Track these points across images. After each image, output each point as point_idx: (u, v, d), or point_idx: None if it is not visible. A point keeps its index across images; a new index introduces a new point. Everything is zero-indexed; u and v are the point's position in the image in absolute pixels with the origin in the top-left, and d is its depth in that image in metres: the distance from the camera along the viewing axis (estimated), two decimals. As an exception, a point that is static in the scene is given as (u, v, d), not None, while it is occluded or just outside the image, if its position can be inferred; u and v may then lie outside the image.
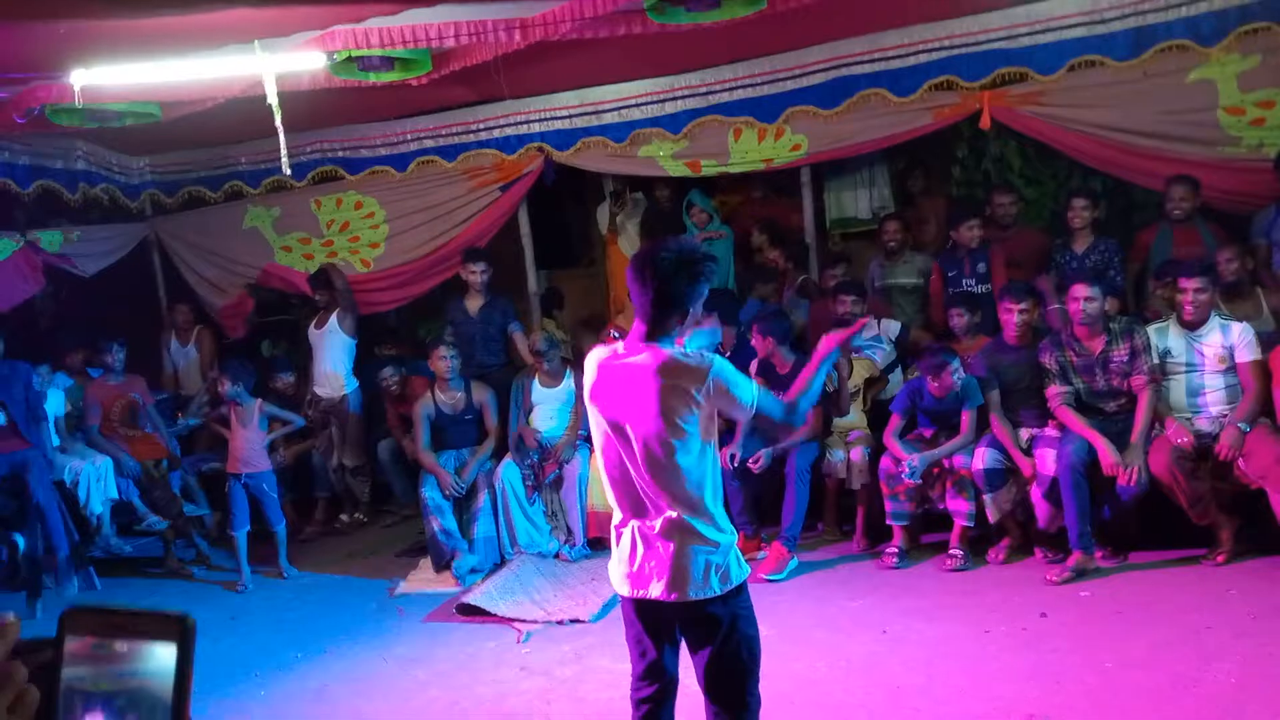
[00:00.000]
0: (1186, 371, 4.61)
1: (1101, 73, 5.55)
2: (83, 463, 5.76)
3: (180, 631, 0.76)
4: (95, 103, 5.00)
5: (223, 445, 5.86)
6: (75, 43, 4.01)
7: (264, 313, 7.48)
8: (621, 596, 2.70)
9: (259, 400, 5.79)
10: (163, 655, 0.75)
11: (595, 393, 2.63)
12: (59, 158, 6.49)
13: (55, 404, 6.04)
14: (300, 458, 6.50)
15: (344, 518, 6.65)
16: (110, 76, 4.36)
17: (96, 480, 5.75)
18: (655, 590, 2.56)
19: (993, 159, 6.49)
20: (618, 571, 2.67)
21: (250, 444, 5.65)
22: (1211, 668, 3.53)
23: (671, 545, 2.52)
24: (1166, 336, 4.67)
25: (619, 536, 2.67)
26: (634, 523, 2.60)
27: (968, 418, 4.91)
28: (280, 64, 4.38)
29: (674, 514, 2.52)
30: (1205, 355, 4.58)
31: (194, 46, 4.27)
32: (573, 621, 4.59)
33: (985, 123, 5.83)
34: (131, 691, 0.75)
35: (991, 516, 4.79)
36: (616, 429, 2.57)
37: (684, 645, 2.72)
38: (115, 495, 5.83)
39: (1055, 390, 4.74)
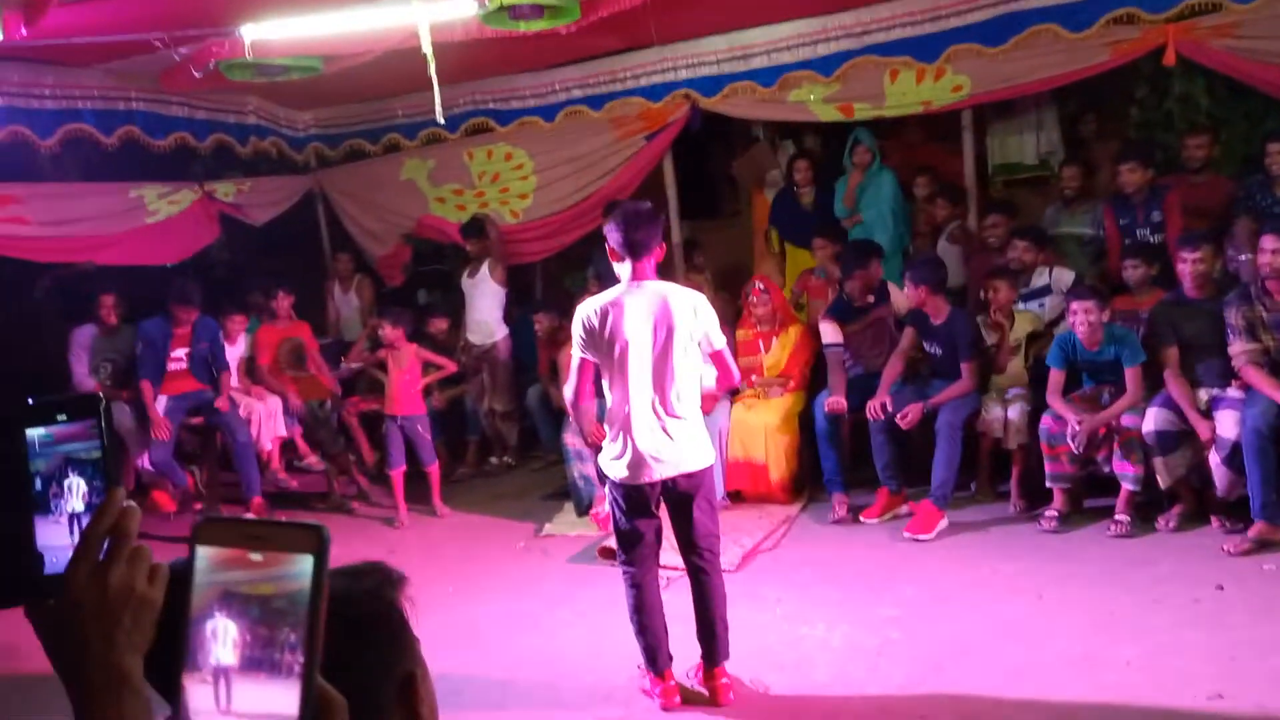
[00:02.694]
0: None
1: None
2: (255, 401, 6.13)
3: (315, 543, 0.76)
4: (263, 58, 5.23)
5: (382, 389, 6.11)
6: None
7: (420, 262, 7.73)
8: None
9: (415, 345, 6.01)
10: (298, 566, 0.75)
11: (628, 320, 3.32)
12: (232, 113, 6.83)
13: (240, 347, 6.44)
14: (453, 402, 6.73)
15: (493, 460, 6.86)
16: (277, 30, 4.53)
17: (266, 418, 6.12)
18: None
19: (1177, 98, 5.96)
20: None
21: (406, 387, 5.87)
22: None
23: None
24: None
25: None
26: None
27: (1131, 375, 4.59)
28: (434, 13, 4.44)
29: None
30: None
31: (352, -2, 4.37)
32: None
33: (1170, 58, 5.35)
34: (265, 600, 0.76)
35: (1163, 482, 4.48)
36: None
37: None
38: (283, 433, 6.19)
39: (1241, 348, 4.36)
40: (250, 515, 5.78)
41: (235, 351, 6.34)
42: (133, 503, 0.83)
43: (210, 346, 6.00)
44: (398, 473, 5.86)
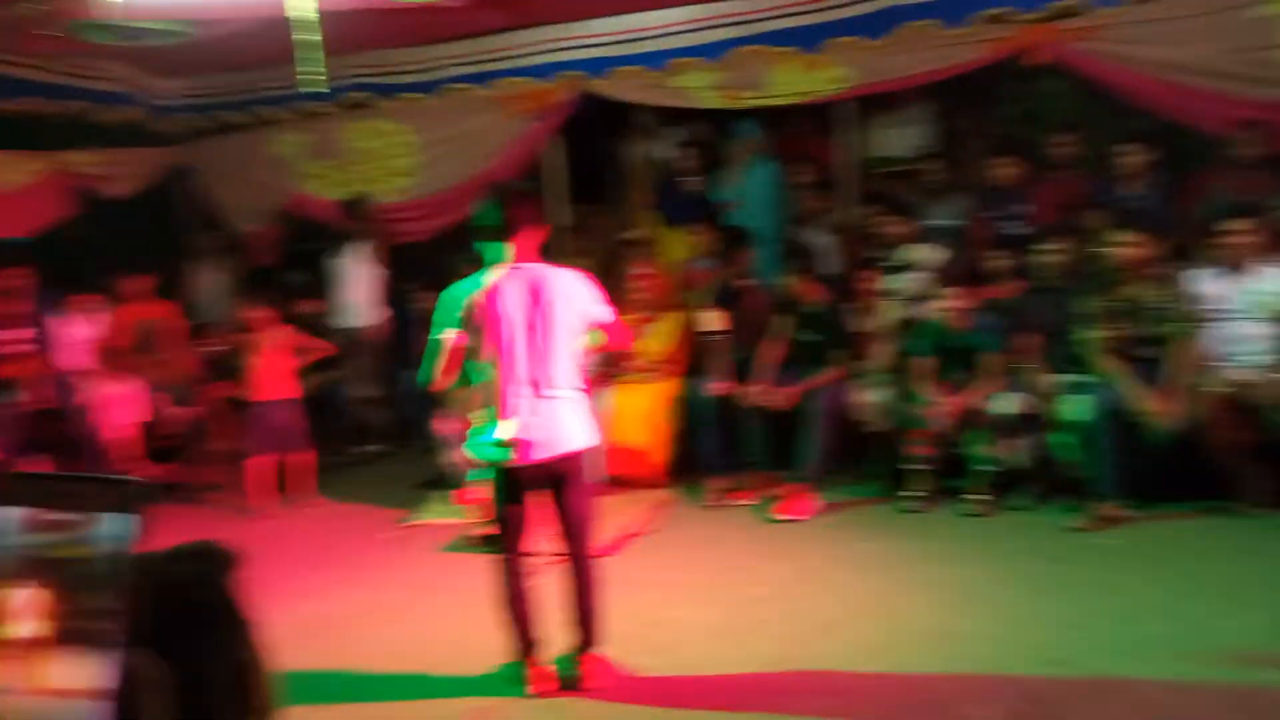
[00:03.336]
0: (1228, 318, 4.40)
1: (1161, 7, 5.28)
2: (111, 384, 5.80)
3: (131, 499, 0.68)
4: (125, 20, 4.95)
5: (247, 372, 5.86)
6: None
7: (292, 240, 7.45)
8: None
9: (288, 327, 5.79)
10: (114, 526, 0.67)
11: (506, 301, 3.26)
12: (90, 78, 6.45)
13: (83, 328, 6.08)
14: (323, 387, 6.51)
15: (365, 448, 6.67)
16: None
17: (125, 403, 5.80)
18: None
19: (1042, 97, 6.21)
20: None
21: (275, 371, 5.65)
22: (1232, 619, 3.42)
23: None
24: (1210, 281, 4.47)
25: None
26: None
27: (990, 361, 4.77)
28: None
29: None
30: (1250, 301, 4.37)
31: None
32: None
33: (1034, 59, 5.57)
34: (78, 564, 0.67)
35: (1016, 462, 4.68)
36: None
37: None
38: (143, 417, 5.87)
39: (1090, 335, 4.58)
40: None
41: (89, 333, 5.99)
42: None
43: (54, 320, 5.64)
44: (263, 460, 5.63)
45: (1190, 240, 4.78)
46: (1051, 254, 4.86)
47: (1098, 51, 5.48)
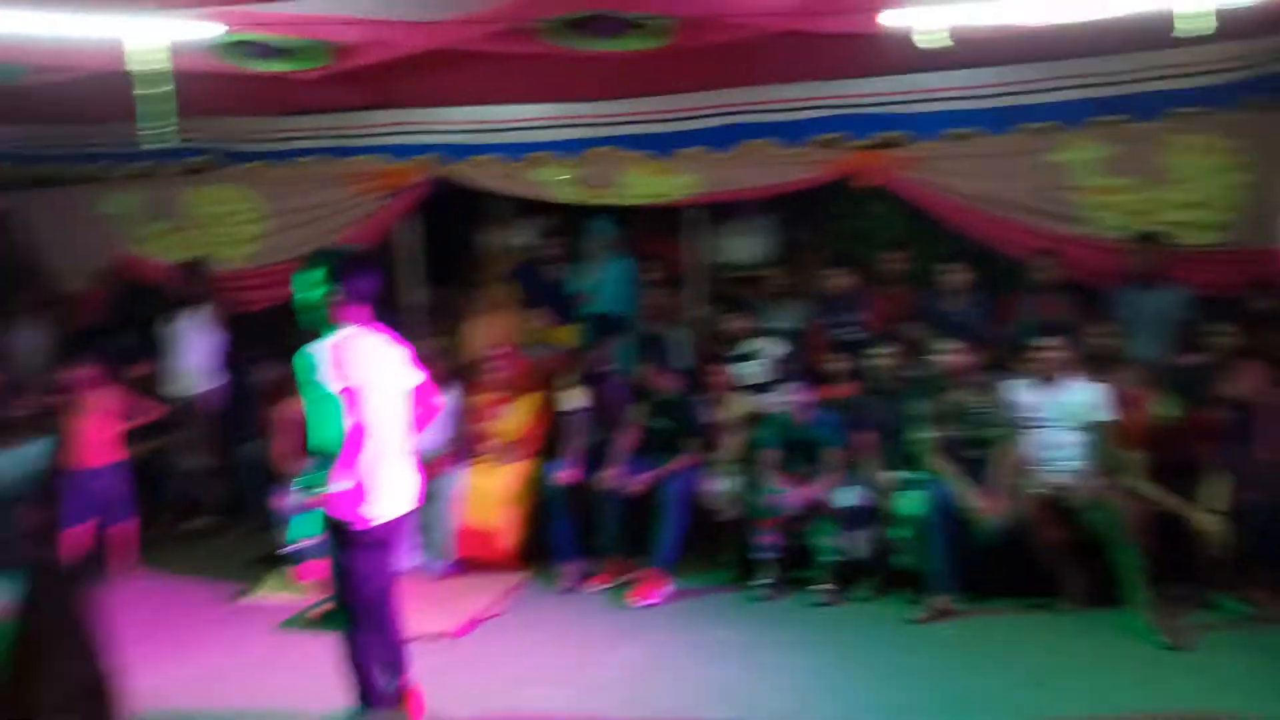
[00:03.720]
0: (1043, 426, 4.87)
1: (973, 144, 5.96)
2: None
3: (43, 429, 0.70)
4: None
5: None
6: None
7: (123, 302, 7.02)
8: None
9: (113, 387, 5.42)
10: (29, 449, 0.69)
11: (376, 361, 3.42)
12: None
13: None
14: (151, 456, 6.09)
15: (195, 521, 6.25)
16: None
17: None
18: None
19: (873, 216, 6.80)
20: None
21: (100, 434, 5.26)
22: (1048, 699, 3.73)
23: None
24: (1027, 392, 4.94)
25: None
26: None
27: (832, 456, 5.07)
28: (167, 33, 4.16)
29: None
30: (1062, 412, 4.85)
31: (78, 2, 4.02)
32: (439, 635, 4.45)
33: (864, 181, 6.13)
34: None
35: (857, 553, 4.94)
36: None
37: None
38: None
39: (922, 435, 4.96)
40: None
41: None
42: None
43: None
44: (86, 530, 5.18)
45: (1006, 353, 5.31)
46: (883, 359, 5.26)
47: (917, 180, 6.09)
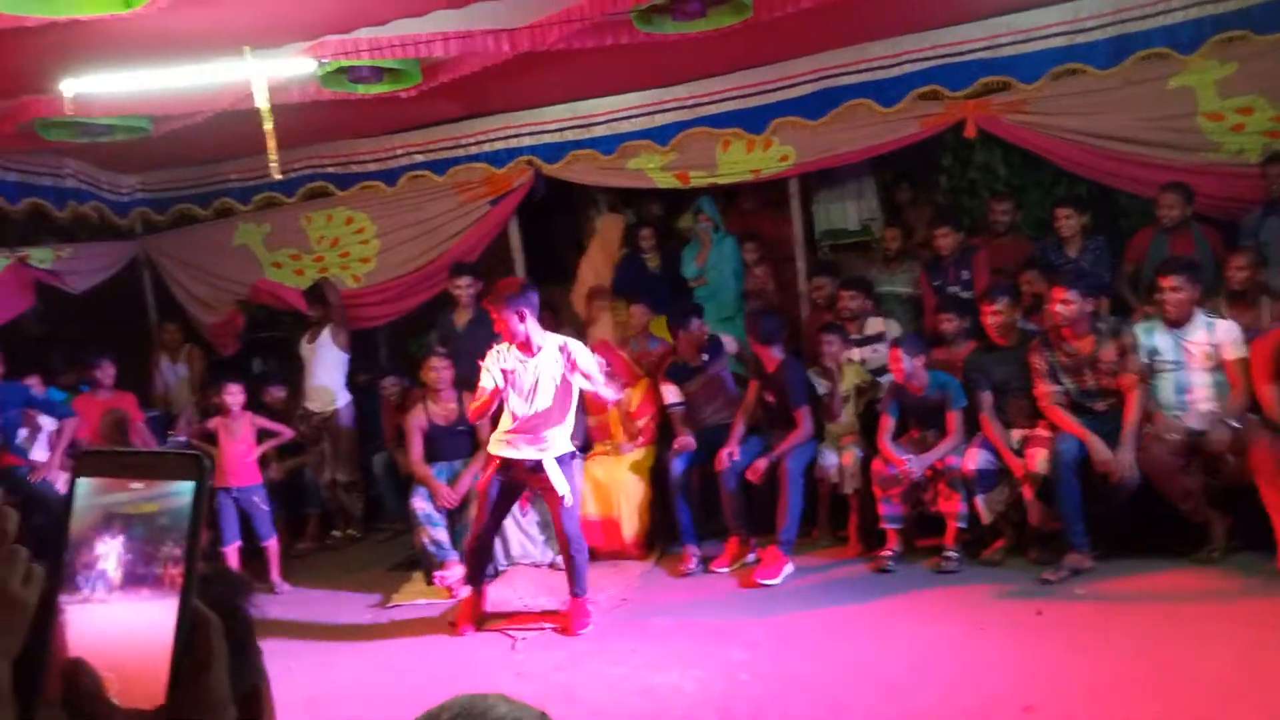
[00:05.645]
0: (1174, 369, 4.63)
1: (1082, 80, 5.64)
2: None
3: (196, 470, 0.77)
4: (86, 116, 5.03)
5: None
6: (64, 49, 4.03)
7: (254, 329, 7.47)
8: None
9: (249, 413, 5.77)
10: (179, 488, 0.76)
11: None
12: (47, 175, 6.49)
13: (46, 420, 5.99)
14: (292, 473, 6.47)
15: (336, 533, 6.61)
16: (101, 85, 4.37)
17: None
18: None
19: (978, 167, 6.56)
20: None
21: (240, 458, 5.62)
22: (1205, 660, 3.54)
23: None
24: (1154, 335, 4.70)
25: None
26: None
27: (953, 419, 4.93)
28: (271, 70, 4.40)
29: None
30: (1192, 353, 4.61)
31: (184, 52, 4.29)
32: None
33: (970, 131, 5.90)
34: (147, 518, 0.76)
35: (984, 517, 4.80)
36: None
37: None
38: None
39: (1045, 390, 4.77)
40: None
41: (41, 423, 5.91)
42: (9, 506, 0.80)
43: (22, 410, 5.56)
44: (231, 549, 5.57)
45: (1131, 296, 5.03)
46: (999, 314, 5.06)
47: (1026, 123, 5.82)
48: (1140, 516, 4.62)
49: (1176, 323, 4.62)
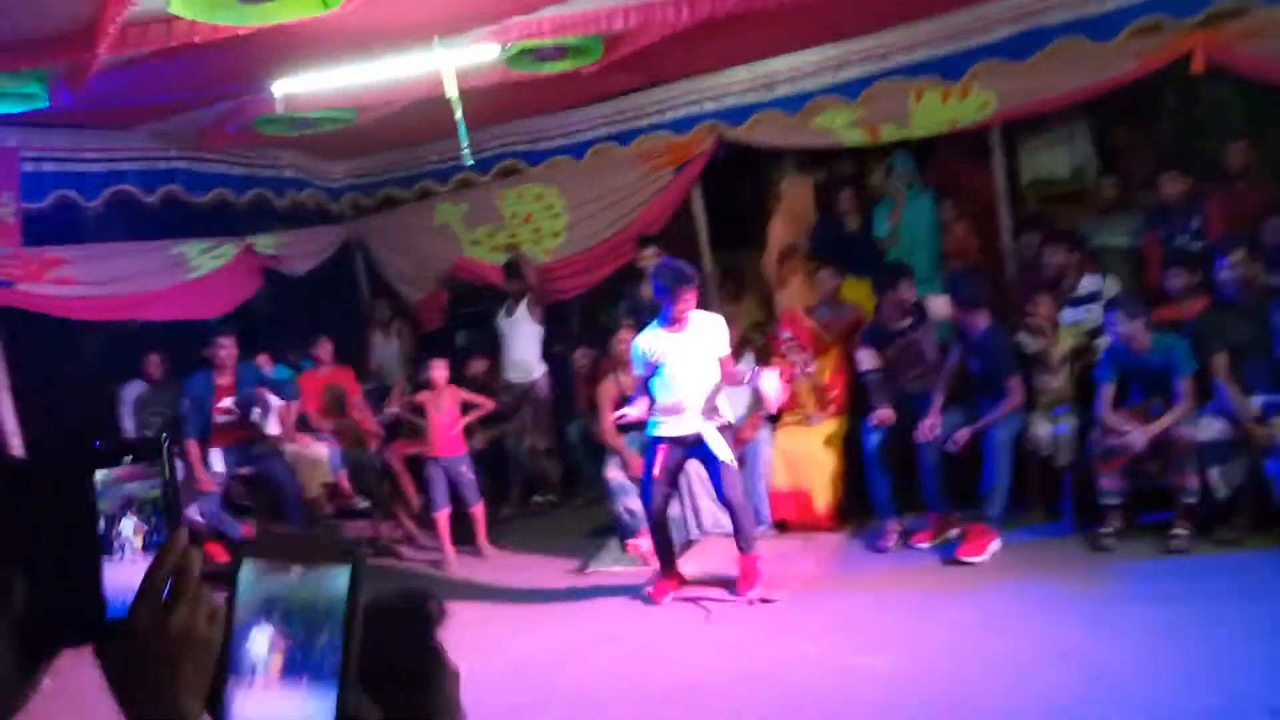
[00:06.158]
0: None
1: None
2: (300, 449, 6.19)
3: (353, 557, 0.79)
4: (296, 111, 5.35)
5: (424, 432, 6.14)
6: (272, 54, 4.29)
7: (457, 304, 7.81)
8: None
9: (453, 386, 6.05)
10: (337, 576, 0.77)
11: None
12: (268, 167, 7.00)
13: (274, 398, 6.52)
14: (495, 442, 6.76)
15: (537, 499, 6.87)
16: (307, 84, 4.64)
17: (313, 465, 6.17)
18: None
19: (1209, 105, 5.88)
20: None
21: (446, 429, 5.91)
22: None
23: None
24: None
25: None
26: None
27: (1182, 385, 4.48)
28: (458, 59, 4.52)
29: None
30: None
31: (379, 46, 4.47)
32: (763, 601, 4.53)
33: (1198, 65, 5.28)
34: (305, 606, 0.77)
35: (1219, 492, 4.36)
36: None
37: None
38: (330, 479, 6.24)
39: (1293, 351, 4.26)
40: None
41: (272, 401, 6.43)
42: (194, 546, 0.84)
43: (256, 389, 6.07)
44: (442, 515, 5.89)
45: None
46: (1235, 267, 4.56)
47: (1264, 51, 5.15)
48: None
49: None
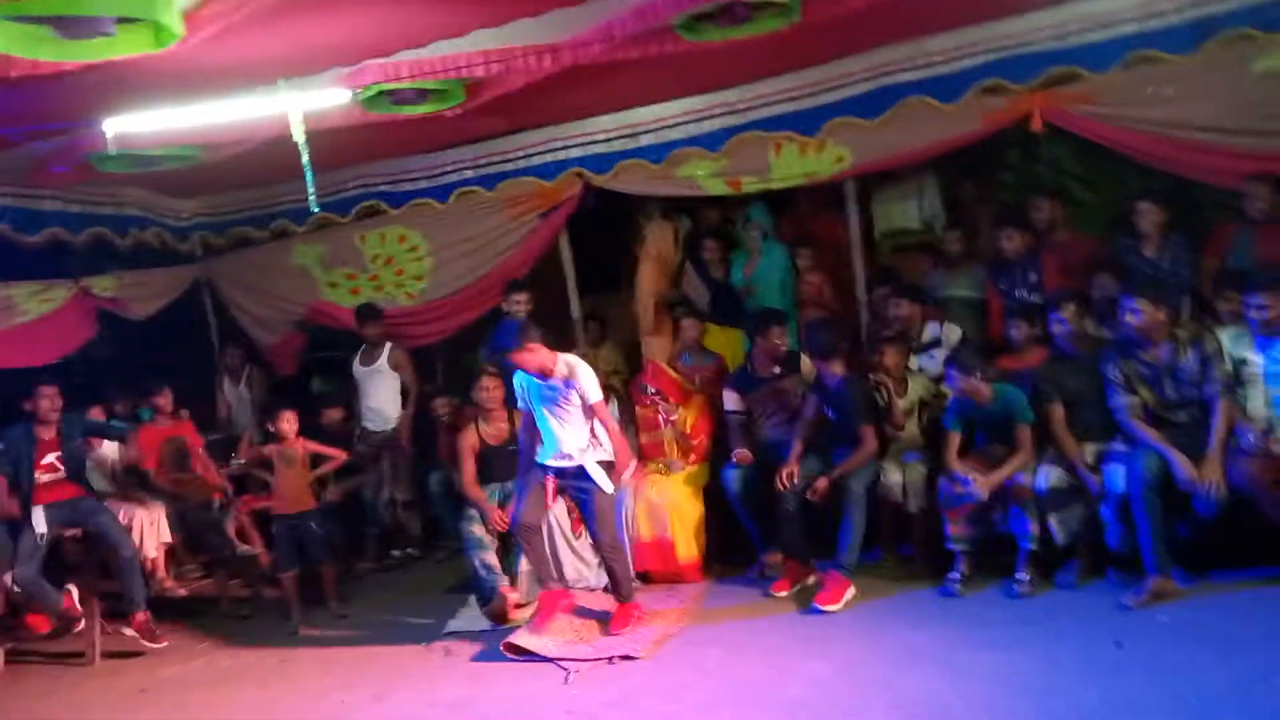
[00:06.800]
0: (1267, 381, 4.29)
1: (1158, 69, 5.29)
2: (136, 508, 5.79)
3: None
4: (134, 149, 5.07)
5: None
6: (104, 90, 4.04)
7: (313, 349, 7.52)
8: None
9: (301, 439, 5.78)
10: None
11: None
12: (108, 204, 6.61)
13: (110, 449, 6.10)
14: (351, 494, 6.49)
15: (395, 553, 6.62)
16: (141, 123, 4.39)
17: (150, 525, 5.77)
18: None
19: (1045, 162, 6.22)
20: None
21: (294, 485, 5.64)
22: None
23: None
24: (1242, 343, 4.38)
25: None
26: None
27: (1021, 434, 4.67)
28: (305, 102, 4.37)
29: None
30: (1281, 363, 4.27)
31: (221, 85, 4.28)
32: (624, 659, 4.45)
33: (1037, 125, 5.58)
34: None
35: (1059, 538, 4.54)
36: None
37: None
38: (168, 539, 5.85)
39: (1120, 402, 4.49)
40: (131, 631, 5.42)
41: (104, 454, 6.01)
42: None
43: (83, 439, 5.66)
44: (289, 576, 5.60)
45: (1215, 299, 4.71)
46: (1070, 321, 4.79)
47: (1098, 115, 5.48)
48: (1228, 536, 4.31)
49: (1269, 335, 4.28)
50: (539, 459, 4.92)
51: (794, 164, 6.10)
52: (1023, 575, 4.56)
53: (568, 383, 4.72)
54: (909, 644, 4.21)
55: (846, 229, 6.39)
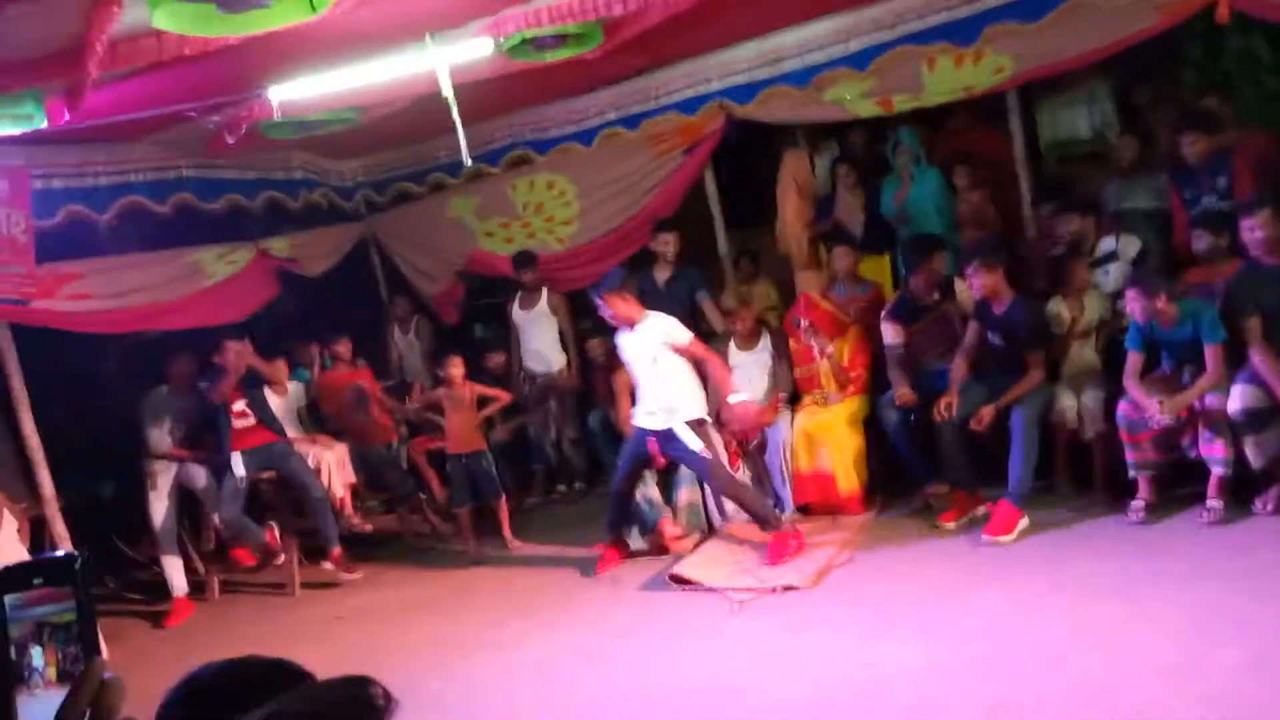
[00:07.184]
0: None
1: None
2: (322, 450, 6.21)
3: (70, 571, 0.82)
4: (295, 115, 5.31)
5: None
6: (265, 61, 4.24)
7: (474, 297, 7.78)
8: None
9: (469, 382, 6.03)
10: (63, 594, 0.82)
11: None
12: (279, 169, 6.98)
13: (295, 396, 6.54)
14: (518, 433, 6.74)
15: (561, 488, 6.85)
16: (301, 89, 4.58)
17: (336, 466, 6.19)
18: None
19: (1235, 55, 5.65)
20: None
21: (463, 426, 5.89)
22: None
23: None
24: None
25: None
26: None
27: (1211, 352, 4.33)
28: (453, 55, 4.45)
29: None
30: None
31: (370, 48, 4.41)
32: (787, 589, 4.47)
33: (1224, 14, 5.06)
34: (65, 626, 0.81)
35: (1255, 462, 4.22)
36: None
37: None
38: (352, 479, 6.25)
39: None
40: (329, 565, 5.86)
41: (291, 401, 6.44)
42: (115, 674, 0.80)
43: (261, 390, 6.09)
44: (464, 511, 5.90)
45: None
46: (1265, 226, 4.38)
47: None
48: None
49: None
50: (635, 420, 5.09)
51: (949, 78, 5.77)
52: (1215, 502, 4.28)
53: (651, 333, 4.88)
54: (1089, 575, 4.04)
55: (1008, 143, 6.03)
